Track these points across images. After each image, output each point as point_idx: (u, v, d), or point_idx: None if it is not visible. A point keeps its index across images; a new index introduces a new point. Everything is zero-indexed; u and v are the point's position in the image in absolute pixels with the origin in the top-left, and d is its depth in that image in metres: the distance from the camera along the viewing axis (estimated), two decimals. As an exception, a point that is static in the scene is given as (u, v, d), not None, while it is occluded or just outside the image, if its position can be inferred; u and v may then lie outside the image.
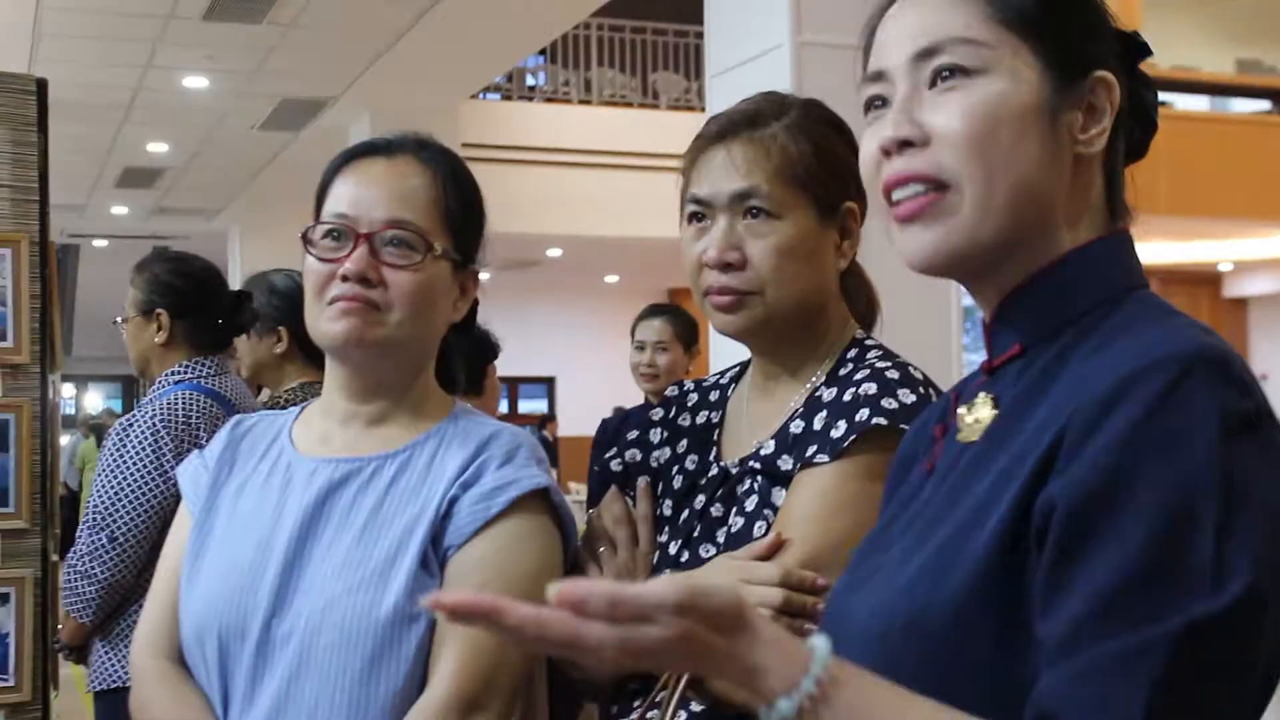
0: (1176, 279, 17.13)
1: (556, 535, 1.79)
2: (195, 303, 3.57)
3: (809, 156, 1.76)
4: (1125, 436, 1.07)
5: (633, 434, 1.96)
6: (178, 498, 3.23)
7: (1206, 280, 18.90)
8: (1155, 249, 15.69)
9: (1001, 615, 1.12)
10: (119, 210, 15.30)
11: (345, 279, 1.76)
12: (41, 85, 3.23)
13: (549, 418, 18.28)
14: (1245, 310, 19.75)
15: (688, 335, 5.24)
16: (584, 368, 19.67)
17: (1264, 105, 16.79)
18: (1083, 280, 1.25)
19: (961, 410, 1.31)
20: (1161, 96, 1.39)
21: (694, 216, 1.80)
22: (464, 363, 1.97)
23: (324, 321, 1.78)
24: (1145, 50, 1.33)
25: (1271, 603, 1.04)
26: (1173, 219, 13.55)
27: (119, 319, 3.63)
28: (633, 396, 5.57)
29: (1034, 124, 1.22)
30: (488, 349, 3.61)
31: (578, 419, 17.08)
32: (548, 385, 20.85)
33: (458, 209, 1.85)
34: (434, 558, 1.73)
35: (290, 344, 3.80)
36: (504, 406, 18.36)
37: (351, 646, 1.68)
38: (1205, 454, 1.05)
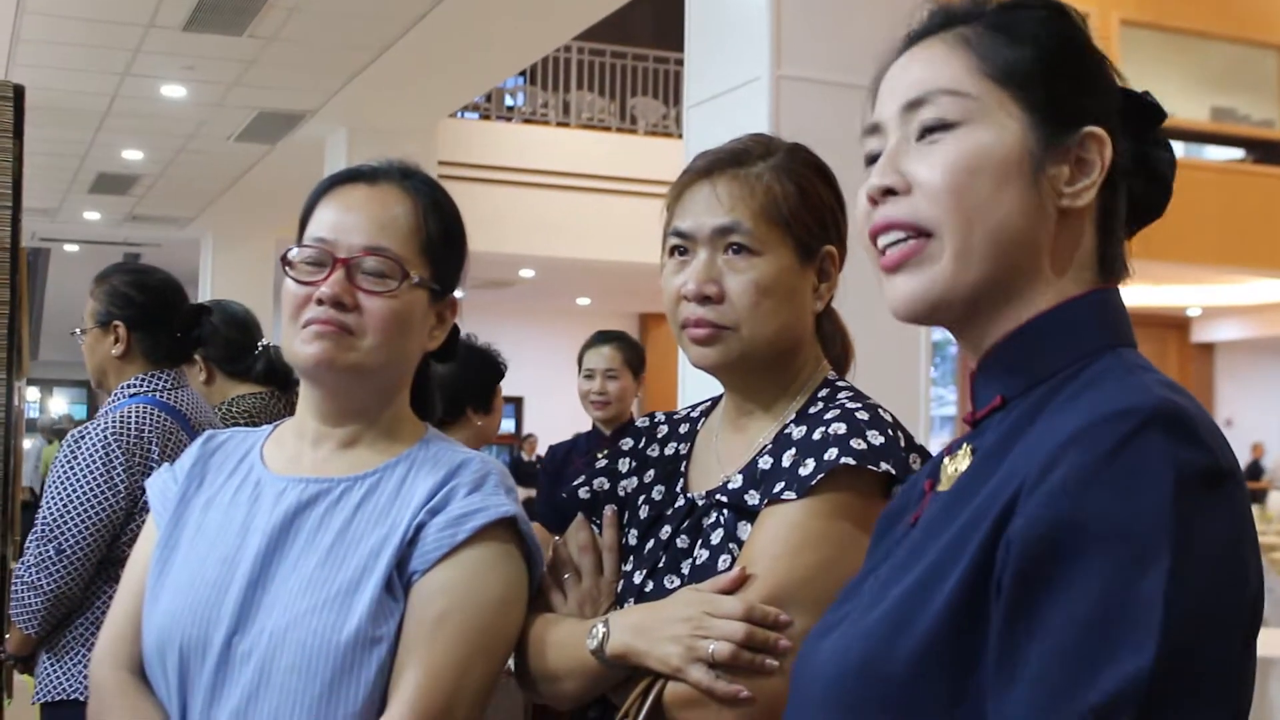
0: (1145, 323, 17.25)
1: (522, 563, 1.79)
2: (153, 316, 3.57)
3: (792, 197, 1.78)
4: (1074, 484, 1.06)
5: (602, 462, 1.97)
6: (127, 512, 3.27)
7: (1175, 325, 19.04)
8: (1124, 292, 15.78)
9: (959, 668, 1.11)
10: (91, 216, 15.24)
11: (320, 302, 1.77)
12: (19, 91, 3.22)
13: (523, 436, 18.23)
14: (1212, 355, 19.89)
15: (636, 362, 5.19)
16: (553, 389, 19.60)
17: (1237, 154, 16.93)
18: (1062, 335, 1.25)
19: (945, 461, 1.31)
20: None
21: (675, 249, 1.81)
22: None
23: (297, 344, 1.79)
24: (1158, 112, 1.32)
25: (1197, 659, 1.03)
26: (1143, 263, 13.58)
27: (77, 330, 3.62)
28: (601, 420, 5.56)
29: (1015, 174, 1.23)
30: (495, 368, 3.64)
31: (543, 441, 17.05)
32: (515, 405, 20.81)
33: (438, 238, 1.85)
34: (399, 582, 1.73)
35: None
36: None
37: (312, 667, 1.67)
38: (1156, 506, 1.04)
